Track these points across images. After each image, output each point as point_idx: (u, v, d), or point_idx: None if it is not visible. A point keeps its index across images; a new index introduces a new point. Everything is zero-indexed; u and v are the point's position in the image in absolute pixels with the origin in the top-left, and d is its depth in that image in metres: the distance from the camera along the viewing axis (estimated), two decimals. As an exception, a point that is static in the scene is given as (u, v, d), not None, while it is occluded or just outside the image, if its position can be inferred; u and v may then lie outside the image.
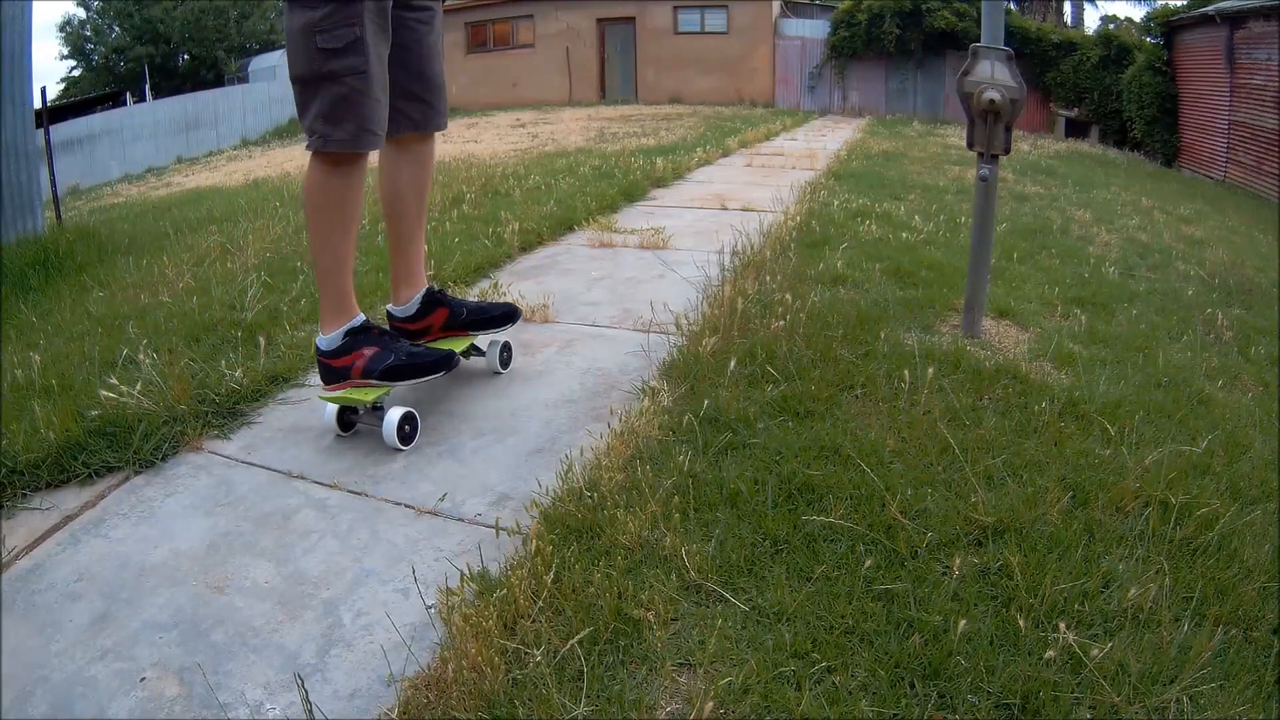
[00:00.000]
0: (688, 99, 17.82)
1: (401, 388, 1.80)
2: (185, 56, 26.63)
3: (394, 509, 1.51)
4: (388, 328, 2.00)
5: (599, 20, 18.80)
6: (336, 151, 1.64)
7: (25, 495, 1.58)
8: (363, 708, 1.07)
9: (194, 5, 25.18)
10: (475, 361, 2.11)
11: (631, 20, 18.66)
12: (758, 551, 1.30)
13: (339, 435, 1.79)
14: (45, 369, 2.05)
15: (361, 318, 1.79)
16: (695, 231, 3.73)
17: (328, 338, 1.76)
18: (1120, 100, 14.37)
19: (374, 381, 1.75)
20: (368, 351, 1.76)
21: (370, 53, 1.60)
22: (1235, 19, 10.68)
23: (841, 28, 17.07)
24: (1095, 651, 1.08)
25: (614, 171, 5.50)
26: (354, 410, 1.79)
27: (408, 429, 1.73)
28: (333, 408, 1.78)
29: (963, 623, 1.10)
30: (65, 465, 1.63)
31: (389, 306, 2.02)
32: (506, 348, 2.10)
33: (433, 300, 2.00)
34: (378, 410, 1.74)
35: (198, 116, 17.61)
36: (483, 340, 2.07)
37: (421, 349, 1.84)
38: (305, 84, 1.62)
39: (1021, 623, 1.12)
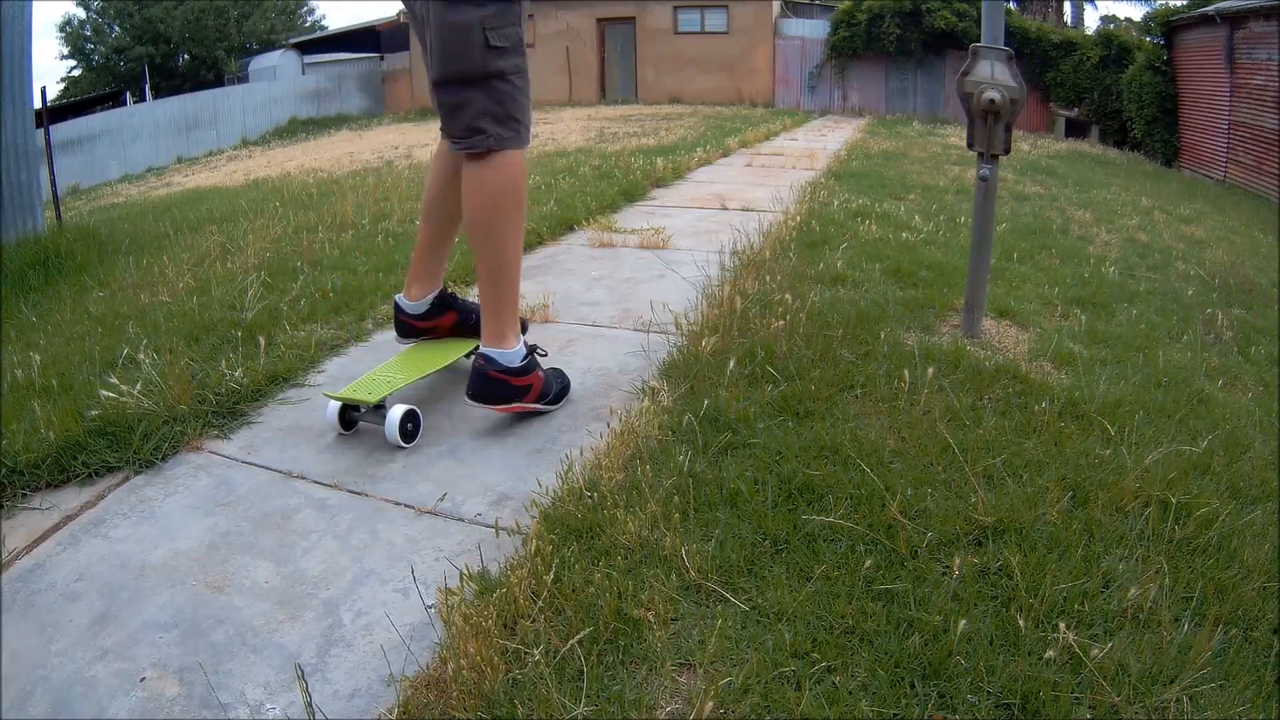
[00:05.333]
0: (688, 99, 17.82)
1: (409, 389, 1.81)
2: (185, 56, 26.60)
3: (394, 509, 1.51)
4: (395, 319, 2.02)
5: (599, 20, 18.80)
6: (510, 150, 1.61)
7: (25, 495, 1.58)
8: (363, 708, 1.07)
9: (194, 5, 25.15)
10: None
11: (631, 20, 18.66)
12: (758, 551, 1.30)
13: (341, 434, 1.79)
14: (45, 369, 2.05)
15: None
16: (695, 231, 3.73)
17: (512, 352, 1.71)
18: (1120, 100, 14.37)
19: (544, 406, 1.79)
20: (540, 372, 1.78)
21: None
22: (1235, 19, 10.67)
23: (841, 28, 17.07)
24: (1095, 651, 1.08)
25: (614, 171, 5.50)
26: (355, 408, 1.78)
27: (410, 427, 1.73)
28: (334, 406, 1.77)
29: (963, 623, 1.10)
30: (65, 465, 1.63)
31: (400, 299, 2.00)
32: None
33: (444, 303, 2.00)
34: (380, 409, 1.74)
35: (198, 116, 17.60)
36: None
37: (555, 372, 1.88)
38: (468, 83, 1.58)
39: (1021, 623, 1.12)
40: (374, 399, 1.72)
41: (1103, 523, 1.39)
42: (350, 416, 1.79)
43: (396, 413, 1.70)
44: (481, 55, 1.56)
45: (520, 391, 1.74)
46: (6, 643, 1.19)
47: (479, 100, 1.58)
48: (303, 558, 1.37)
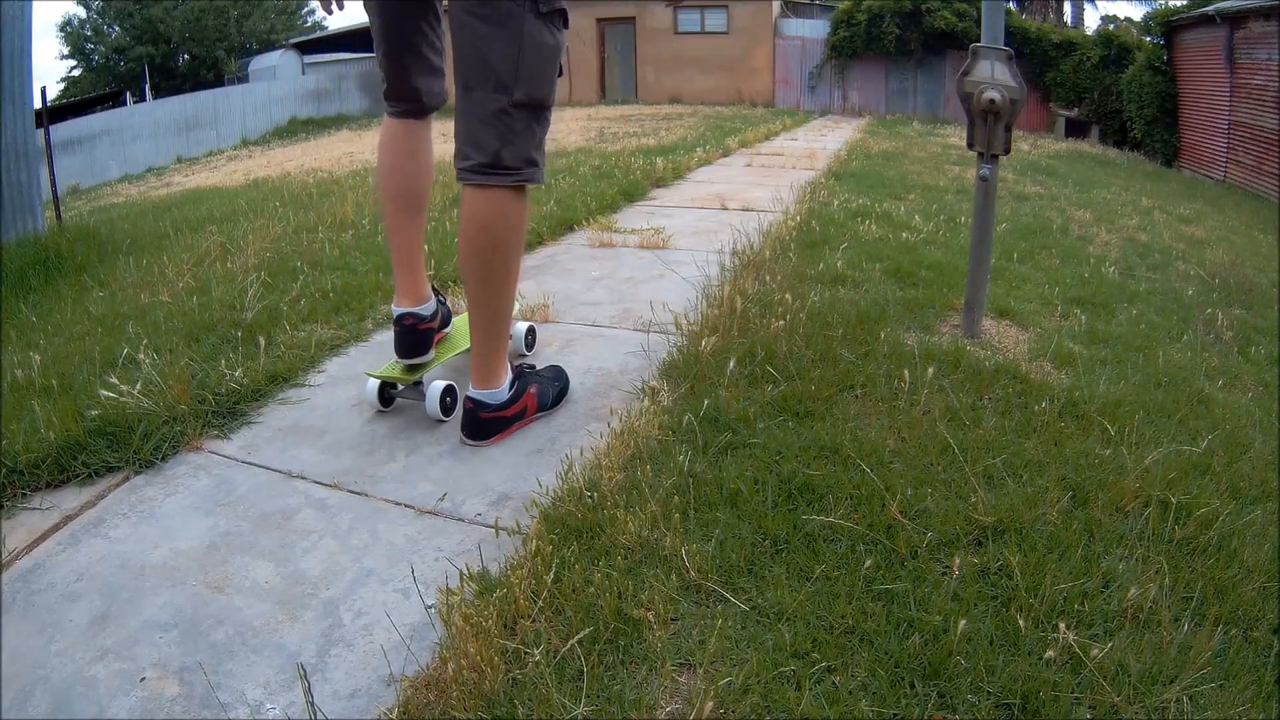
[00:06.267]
0: (688, 99, 17.82)
1: (440, 369, 1.88)
2: (185, 56, 26.61)
3: (394, 509, 1.51)
4: (405, 326, 1.82)
5: (599, 20, 18.79)
6: (524, 185, 1.54)
7: (25, 495, 1.58)
8: (363, 707, 1.07)
9: (194, 5, 25.16)
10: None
11: (631, 20, 18.65)
12: (758, 551, 1.30)
13: (380, 410, 1.85)
14: (45, 369, 2.05)
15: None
16: (695, 231, 3.73)
17: (499, 389, 1.67)
18: (1120, 100, 14.37)
19: (543, 414, 1.80)
20: (532, 389, 1.77)
21: None
22: (1235, 19, 10.67)
23: (841, 28, 17.07)
24: (1095, 651, 1.08)
25: (614, 171, 5.50)
26: (394, 385, 1.84)
27: (449, 400, 1.78)
28: (374, 383, 1.83)
29: (963, 623, 1.10)
30: (65, 465, 1.63)
31: (411, 308, 1.82)
32: (531, 331, 2.19)
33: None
34: (418, 386, 1.81)
35: (198, 116, 17.59)
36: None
37: (553, 372, 1.88)
38: (538, 109, 1.50)
39: (1021, 623, 1.12)
40: (413, 376, 1.80)
41: (1103, 523, 1.39)
42: (389, 394, 1.86)
43: (436, 387, 1.76)
44: (553, 83, 1.51)
45: (515, 417, 1.74)
46: (6, 643, 1.19)
47: (538, 130, 1.52)
48: (303, 558, 1.37)
